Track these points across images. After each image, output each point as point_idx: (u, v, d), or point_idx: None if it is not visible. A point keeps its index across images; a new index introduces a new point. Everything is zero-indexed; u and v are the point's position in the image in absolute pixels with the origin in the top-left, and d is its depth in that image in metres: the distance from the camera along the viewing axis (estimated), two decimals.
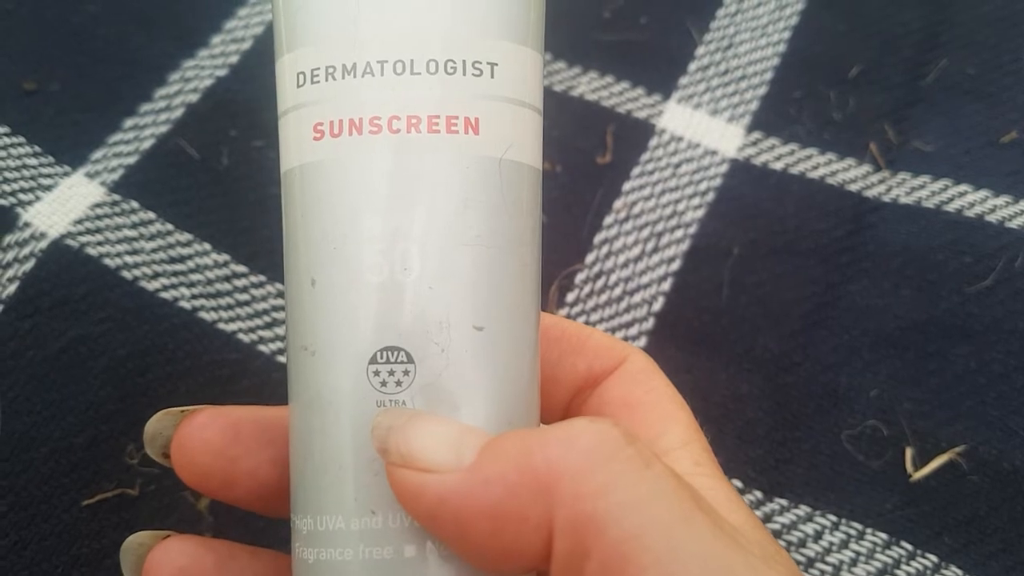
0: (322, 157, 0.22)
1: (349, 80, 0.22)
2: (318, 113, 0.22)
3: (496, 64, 0.22)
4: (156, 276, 0.35)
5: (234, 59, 0.41)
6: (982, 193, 0.39)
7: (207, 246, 0.37)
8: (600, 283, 0.38)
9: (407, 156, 0.21)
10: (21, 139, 0.38)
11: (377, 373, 0.21)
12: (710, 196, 0.40)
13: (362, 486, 0.21)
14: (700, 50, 0.44)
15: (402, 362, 0.21)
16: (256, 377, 0.34)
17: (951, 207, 0.39)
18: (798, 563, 0.32)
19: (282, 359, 0.35)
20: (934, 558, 0.32)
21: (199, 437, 0.24)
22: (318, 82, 0.22)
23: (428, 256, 0.21)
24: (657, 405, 0.24)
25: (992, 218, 0.38)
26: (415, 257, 0.21)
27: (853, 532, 0.32)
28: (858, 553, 0.32)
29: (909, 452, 0.34)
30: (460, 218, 0.21)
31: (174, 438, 0.25)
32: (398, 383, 0.21)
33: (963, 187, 0.39)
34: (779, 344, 0.36)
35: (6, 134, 0.38)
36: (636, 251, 0.38)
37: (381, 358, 0.21)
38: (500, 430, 0.21)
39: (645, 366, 0.25)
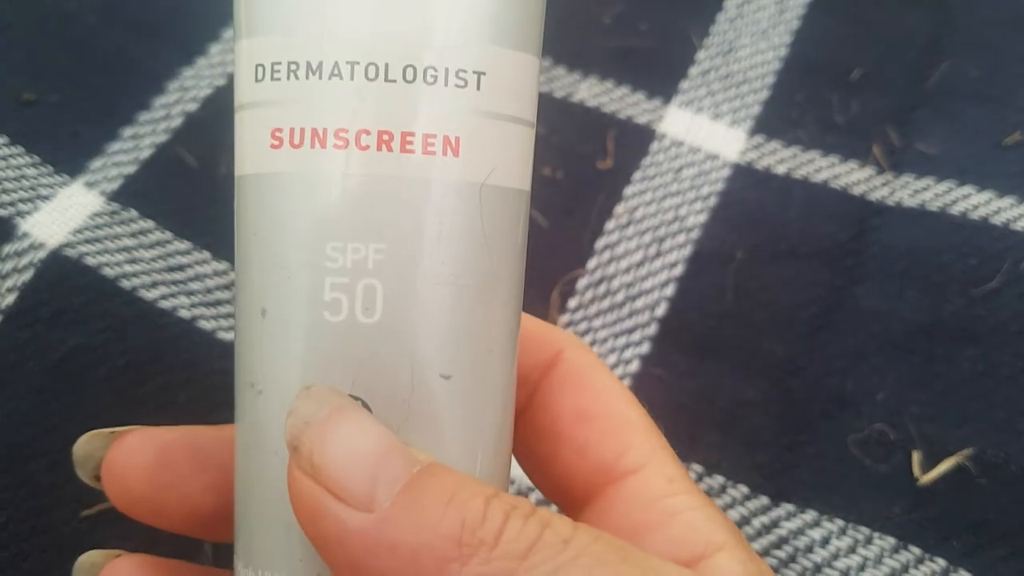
0: (280, 169, 0.19)
1: (313, 81, 0.19)
2: (277, 116, 0.19)
3: (484, 73, 0.19)
4: (155, 285, 0.35)
5: (232, 68, 0.41)
6: (986, 195, 0.39)
7: (206, 254, 0.36)
8: (602, 288, 0.37)
9: (376, 178, 0.19)
10: (20, 149, 0.38)
11: None
12: (712, 200, 0.39)
13: (309, 547, 0.19)
14: (700, 54, 0.43)
15: None
16: None
17: (955, 210, 0.39)
18: (805, 568, 0.32)
19: None
20: (943, 562, 0.32)
21: (127, 462, 0.23)
22: (279, 79, 0.19)
23: (394, 296, 0.19)
24: (611, 413, 0.23)
25: (997, 220, 0.38)
26: (379, 296, 0.19)
27: (861, 537, 0.32)
28: (866, 558, 0.32)
29: (916, 456, 0.34)
30: (433, 253, 0.19)
31: (103, 462, 0.24)
32: None
33: (967, 189, 0.39)
34: (784, 348, 0.36)
35: (5, 144, 0.37)
36: (638, 256, 0.38)
37: None
38: None
39: (585, 360, 0.24)
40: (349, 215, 0.19)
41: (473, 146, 0.19)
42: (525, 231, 0.21)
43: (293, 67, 0.19)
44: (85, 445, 0.24)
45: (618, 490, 0.22)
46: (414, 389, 0.19)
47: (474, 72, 0.19)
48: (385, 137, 0.19)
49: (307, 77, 0.19)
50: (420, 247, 0.19)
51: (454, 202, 0.19)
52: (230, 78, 0.41)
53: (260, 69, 0.19)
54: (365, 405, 0.19)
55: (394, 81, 0.19)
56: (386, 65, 0.19)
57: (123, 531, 0.31)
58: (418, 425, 0.19)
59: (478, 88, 0.19)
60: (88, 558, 0.25)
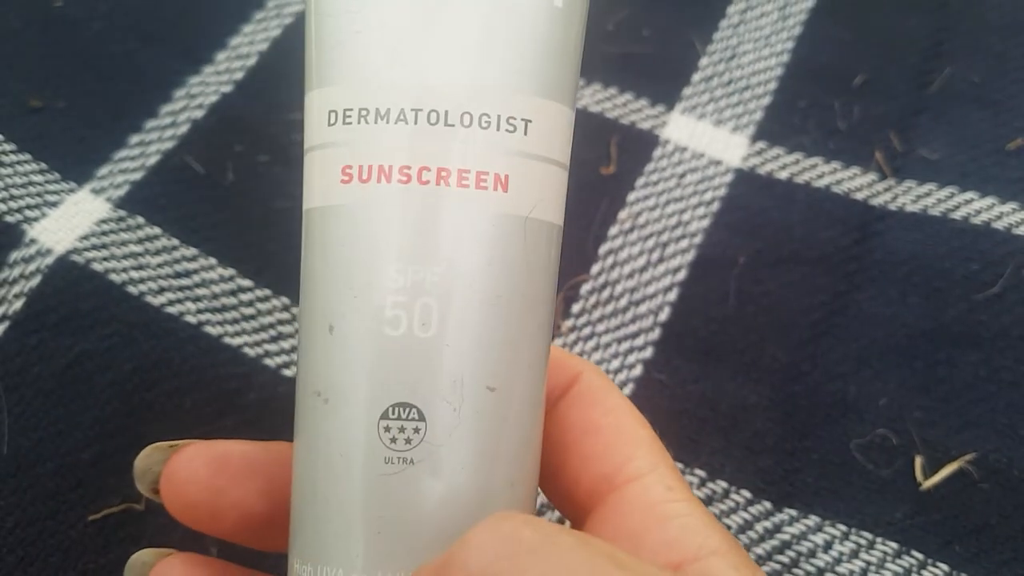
0: (348, 201, 0.21)
1: (382, 125, 0.21)
2: (347, 155, 0.22)
3: (530, 121, 0.22)
4: (162, 291, 0.35)
5: (239, 75, 0.41)
6: (988, 200, 0.39)
7: (212, 261, 0.37)
8: (606, 294, 0.38)
9: (434, 209, 0.21)
10: (27, 156, 0.38)
11: (388, 429, 0.21)
12: (715, 206, 0.40)
13: (369, 544, 0.21)
14: (703, 61, 0.44)
15: (413, 419, 0.21)
16: (262, 391, 0.34)
17: (957, 215, 0.39)
18: (808, 573, 0.32)
19: (288, 372, 0.35)
20: (945, 567, 0.32)
21: (187, 469, 0.25)
22: (350, 123, 0.22)
23: (448, 313, 0.21)
24: (618, 427, 0.24)
25: (999, 225, 0.38)
26: (435, 313, 0.21)
27: (863, 542, 0.32)
28: (868, 563, 0.32)
29: (919, 461, 0.34)
30: (483, 276, 0.21)
31: (163, 472, 0.25)
32: (407, 440, 0.21)
33: (969, 194, 0.39)
34: (787, 353, 0.36)
35: (13, 151, 0.38)
36: (641, 262, 0.38)
37: (393, 414, 0.21)
38: (504, 490, 0.21)
39: (599, 384, 0.25)
40: (410, 241, 0.21)
41: (520, 183, 0.22)
42: (557, 262, 0.23)
43: (363, 113, 0.21)
44: (146, 458, 0.25)
45: (618, 497, 0.23)
46: (464, 398, 0.21)
47: (522, 119, 0.22)
48: (443, 173, 0.21)
49: (375, 121, 0.21)
50: (473, 271, 0.21)
51: (503, 232, 0.21)
52: (237, 85, 0.41)
53: (333, 114, 0.22)
54: (420, 413, 0.21)
55: (452, 125, 0.21)
56: (446, 112, 0.21)
57: (129, 535, 0.32)
58: (467, 431, 0.21)
59: (525, 133, 0.22)
60: (139, 557, 0.26)
